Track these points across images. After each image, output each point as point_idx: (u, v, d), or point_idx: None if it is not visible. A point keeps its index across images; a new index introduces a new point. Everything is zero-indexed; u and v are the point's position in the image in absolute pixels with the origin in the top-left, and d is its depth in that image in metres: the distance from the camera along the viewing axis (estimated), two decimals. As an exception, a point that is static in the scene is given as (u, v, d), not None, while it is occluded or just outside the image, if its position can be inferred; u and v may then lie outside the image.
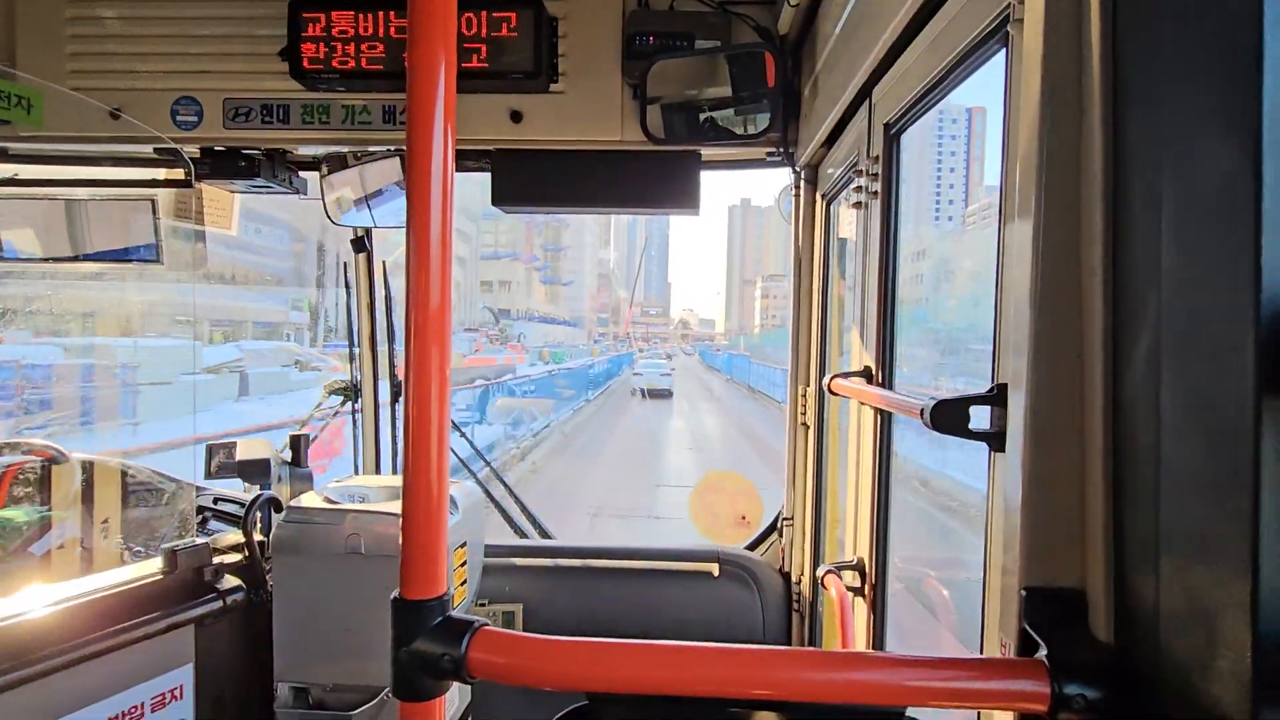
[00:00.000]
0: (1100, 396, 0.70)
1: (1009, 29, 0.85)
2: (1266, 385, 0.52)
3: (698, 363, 77.25)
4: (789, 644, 2.26)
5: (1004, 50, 0.91)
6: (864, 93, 1.49)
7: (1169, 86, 0.62)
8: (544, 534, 2.61)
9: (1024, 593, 0.74)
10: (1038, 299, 0.75)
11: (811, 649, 2.05)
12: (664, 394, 33.19)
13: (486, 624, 0.76)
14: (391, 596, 0.78)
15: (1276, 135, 0.51)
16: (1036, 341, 0.75)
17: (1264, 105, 0.51)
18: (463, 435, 2.76)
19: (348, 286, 2.65)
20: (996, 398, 0.84)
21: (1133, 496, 0.67)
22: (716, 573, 2.30)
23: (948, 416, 0.88)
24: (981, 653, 0.88)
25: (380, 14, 1.92)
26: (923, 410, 0.91)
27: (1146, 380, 0.64)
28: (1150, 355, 0.64)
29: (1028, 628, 0.73)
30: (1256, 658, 0.54)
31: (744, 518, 2.36)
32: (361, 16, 1.92)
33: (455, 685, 0.79)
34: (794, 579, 2.26)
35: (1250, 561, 0.54)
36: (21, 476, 2.10)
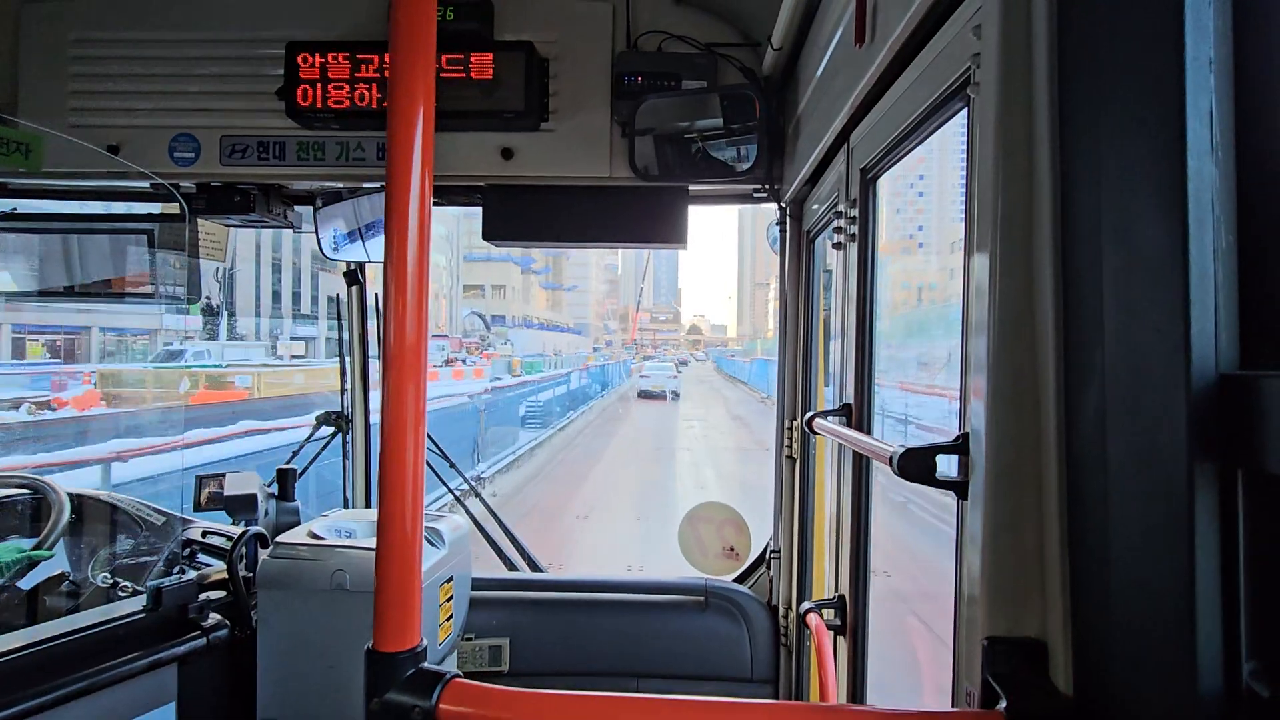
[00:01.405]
0: (1055, 450, 0.72)
1: (969, 90, 0.89)
2: (1197, 448, 0.54)
3: (714, 371, 63.72)
4: (776, 680, 2.25)
5: (966, 109, 0.94)
6: (843, 137, 1.53)
7: (1109, 160, 0.65)
8: (533, 566, 2.61)
9: (986, 642, 0.75)
10: (995, 352, 0.78)
11: (786, 702, 2.04)
12: (670, 395, 31.34)
13: (459, 676, 0.77)
14: (365, 648, 0.79)
15: (1200, 212, 0.54)
16: (995, 394, 0.78)
17: (1188, 184, 0.54)
18: (451, 464, 2.76)
19: (339, 318, 2.67)
20: (961, 447, 0.86)
21: (1088, 549, 0.69)
22: (704, 606, 2.29)
23: (915, 464, 0.89)
24: (952, 702, 0.89)
25: (374, 56, 1.97)
26: (891, 457, 0.92)
27: (1095, 436, 0.66)
28: (1097, 412, 0.66)
29: (989, 678, 0.74)
30: (1199, 712, 0.55)
31: (732, 549, 2.35)
32: (356, 58, 1.97)
33: None
34: (781, 613, 2.26)
35: (1189, 616, 0.55)
36: (10, 510, 2.10)
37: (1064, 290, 0.71)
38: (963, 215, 0.92)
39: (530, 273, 72.84)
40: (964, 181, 0.91)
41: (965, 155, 0.92)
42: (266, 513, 2.16)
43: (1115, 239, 0.64)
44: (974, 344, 0.83)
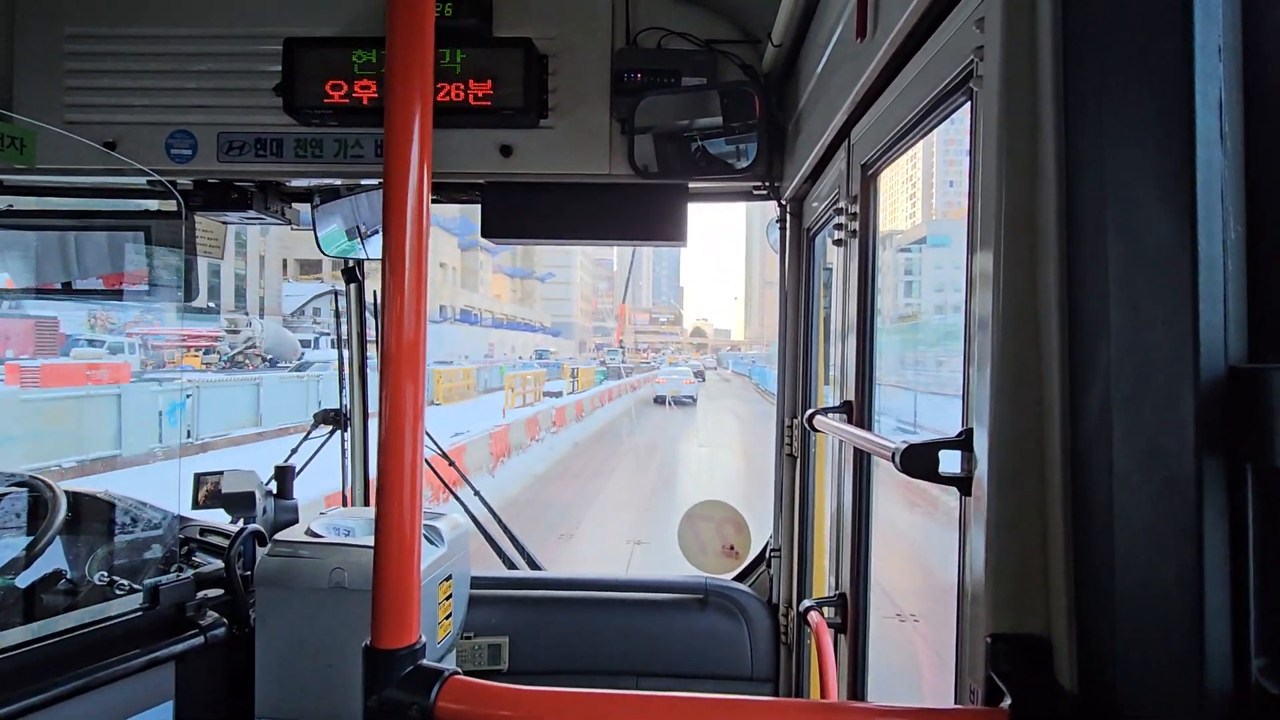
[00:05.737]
0: (1059, 446, 0.71)
1: (972, 85, 0.88)
2: (1205, 443, 0.53)
3: (751, 390, 40.88)
4: (776, 678, 2.24)
5: (969, 103, 0.93)
6: (843, 133, 1.52)
7: (1115, 152, 0.64)
8: (533, 565, 2.60)
9: (989, 640, 0.75)
10: (999, 347, 0.77)
11: (787, 699, 2.04)
12: (672, 402, 30.30)
13: (457, 673, 0.76)
14: (363, 645, 0.78)
15: (1208, 202, 0.53)
16: (999, 389, 0.77)
17: (1197, 174, 0.53)
18: (451, 463, 2.75)
19: (338, 316, 2.66)
20: (964, 442, 0.85)
21: (1092, 545, 0.68)
22: (704, 604, 2.29)
23: (917, 460, 0.89)
24: (955, 699, 0.88)
25: (373, 52, 1.95)
26: (894, 453, 0.92)
27: (1100, 432, 0.66)
28: (1102, 408, 0.65)
29: (993, 675, 0.73)
30: (1207, 709, 0.55)
31: (732, 548, 2.35)
32: (354, 54, 1.96)
33: None
34: (781, 611, 2.25)
35: (1197, 614, 0.55)
36: (7, 508, 2.09)
37: (1068, 284, 0.70)
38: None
39: (481, 250, 51.78)
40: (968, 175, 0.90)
41: (969, 150, 0.92)
42: (265, 510, 2.15)
43: (1121, 231, 0.63)
44: (978, 339, 0.82)
